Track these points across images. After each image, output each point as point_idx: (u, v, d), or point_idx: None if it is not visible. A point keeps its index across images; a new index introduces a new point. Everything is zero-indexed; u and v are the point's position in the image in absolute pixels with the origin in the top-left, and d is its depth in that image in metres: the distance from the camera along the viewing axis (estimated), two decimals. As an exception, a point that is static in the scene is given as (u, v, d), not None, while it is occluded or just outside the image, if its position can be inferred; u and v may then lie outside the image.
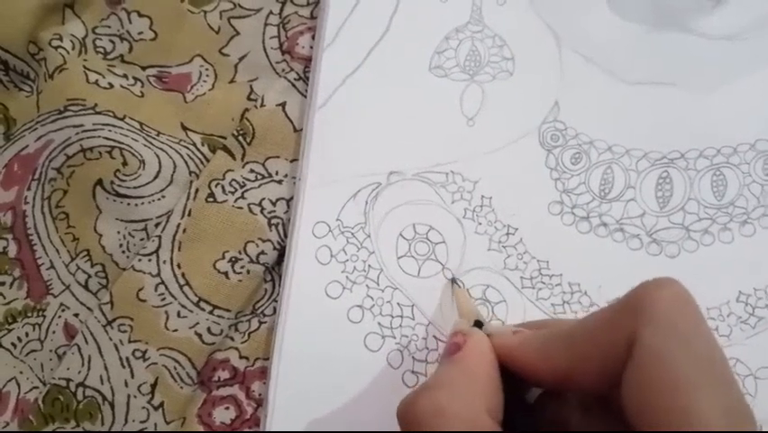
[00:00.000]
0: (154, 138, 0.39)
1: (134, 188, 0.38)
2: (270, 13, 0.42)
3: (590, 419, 0.28)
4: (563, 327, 0.28)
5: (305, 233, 0.37)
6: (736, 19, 0.39)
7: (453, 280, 0.37)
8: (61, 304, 0.39)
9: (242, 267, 0.37)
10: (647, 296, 0.24)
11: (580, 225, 0.38)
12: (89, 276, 0.39)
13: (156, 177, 0.39)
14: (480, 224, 0.38)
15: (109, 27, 0.42)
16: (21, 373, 0.39)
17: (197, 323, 0.37)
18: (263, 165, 0.39)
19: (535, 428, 0.29)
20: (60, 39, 0.41)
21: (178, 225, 0.37)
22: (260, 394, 0.37)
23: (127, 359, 0.36)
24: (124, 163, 0.38)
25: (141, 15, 0.42)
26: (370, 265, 0.37)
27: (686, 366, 0.23)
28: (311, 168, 0.38)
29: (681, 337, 0.23)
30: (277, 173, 0.39)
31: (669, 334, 0.23)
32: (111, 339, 0.37)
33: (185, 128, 0.40)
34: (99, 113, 0.39)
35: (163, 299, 0.37)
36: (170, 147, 0.39)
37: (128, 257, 0.38)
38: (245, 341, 0.38)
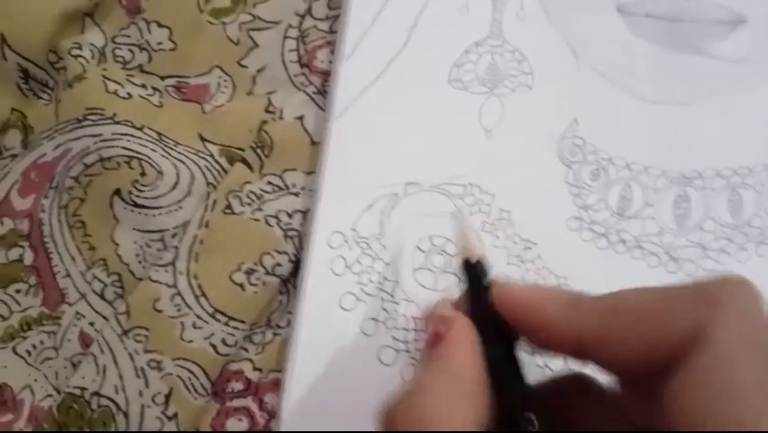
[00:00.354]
0: (172, 149, 0.40)
1: (152, 198, 0.38)
2: (290, 26, 0.42)
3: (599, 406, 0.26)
4: (607, 294, 0.24)
5: (321, 243, 0.37)
6: (751, 43, 0.39)
7: (456, 214, 0.34)
8: (77, 313, 0.39)
9: (258, 279, 0.37)
10: (726, 289, 0.22)
11: (599, 241, 0.38)
12: (105, 285, 0.39)
13: (174, 188, 0.39)
14: (498, 237, 0.38)
15: (129, 37, 0.42)
16: (35, 380, 0.39)
17: (212, 334, 0.37)
18: (281, 177, 0.39)
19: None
20: (80, 48, 0.41)
21: (195, 237, 0.37)
22: (272, 406, 0.37)
23: (142, 369, 0.36)
24: (142, 174, 0.39)
25: (160, 26, 0.42)
26: (385, 277, 0.37)
27: (755, 378, 0.20)
28: (328, 177, 0.38)
29: (757, 345, 0.21)
30: (294, 185, 0.39)
31: (745, 339, 0.21)
32: (126, 349, 0.37)
33: (203, 139, 0.41)
34: (118, 122, 0.39)
35: (179, 310, 0.37)
36: (188, 158, 0.40)
37: (144, 267, 0.38)
38: (259, 353, 0.38)
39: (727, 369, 0.20)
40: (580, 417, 0.26)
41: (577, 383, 0.27)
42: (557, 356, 0.26)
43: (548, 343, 0.25)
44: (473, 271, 0.28)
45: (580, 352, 0.24)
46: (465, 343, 0.25)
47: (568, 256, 0.38)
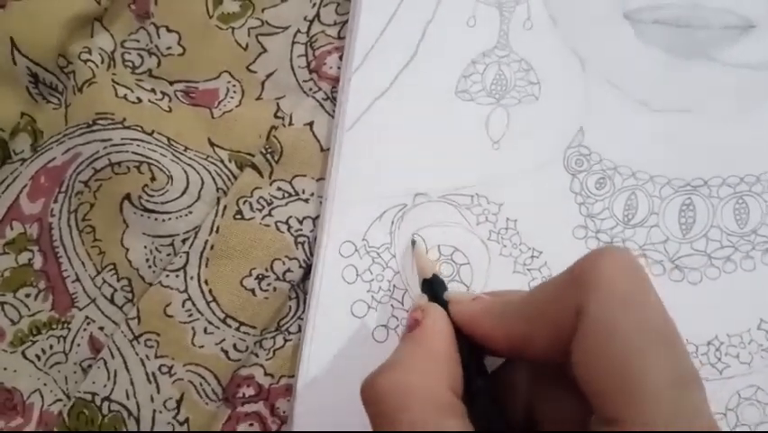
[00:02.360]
0: (182, 153, 0.40)
1: (162, 203, 0.39)
2: (298, 31, 0.42)
3: (541, 386, 0.29)
4: (521, 296, 0.28)
5: (332, 252, 0.38)
6: (760, 49, 0.40)
7: (413, 241, 0.37)
8: (87, 317, 0.39)
9: (269, 284, 0.38)
10: (591, 266, 0.25)
11: (604, 250, 0.38)
12: (115, 290, 0.39)
13: (184, 193, 0.39)
14: (505, 246, 0.38)
15: (138, 41, 0.42)
16: (45, 385, 0.39)
17: (223, 339, 0.37)
18: (290, 183, 0.39)
19: (492, 393, 0.29)
20: (89, 52, 0.41)
21: (206, 242, 0.38)
22: (284, 412, 0.37)
23: (153, 374, 0.37)
24: (152, 178, 0.39)
25: (169, 30, 0.42)
26: (395, 285, 0.37)
27: (631, 334, 0.23)
28: (338, 188, 0.38)
29: (626, 306, 0.24)
30: (303, 192, 0.39)
31: (613, 303, 0.24)
32: (137, 354, 0.37)
33: (212, 144, 0.41)
34: (128, 127, 0.39)
35: (190, 315, 0.37)
36: (198, 163, 0.40)
37: (154, 272, 0.39)
38: (270, 358, 0.38)
39: (604, 334, 0.23)
40: (539, 393, 0.29)
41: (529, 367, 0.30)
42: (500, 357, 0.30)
43: (490, 348, 0.29)
44: (432, 287, 0.33)
45: (512, 352, 0.28)
46: (439, 324, 0.29)
47: (574, 264, 0.38)
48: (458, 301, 0.30)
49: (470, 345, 0.29)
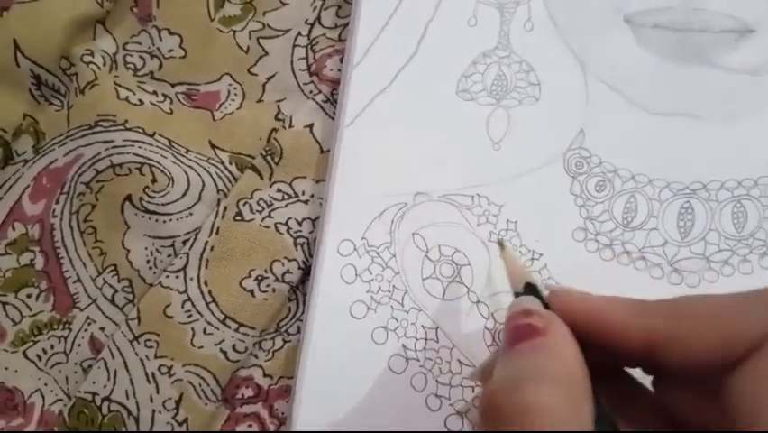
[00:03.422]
0: (183, 155, 0.40)
1: (163, 204, 0.39)
2: (299, 34, 0.42)
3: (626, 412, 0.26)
4: (657, 300, 0.25)
5: (330, 250, 0.38)
6: (759, 53, 0.40)
7: (500, 243, 0.32)
8: (87, 318, 0.39)
9: (268, 285, 0.38)
10: None
11: (604, 252, 0.38)
12: (116, 291, 0.39)
13: (184, 194, 0.39)
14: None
15: (140, 44, 0.43)
16: (45, 384, 0.39)
17: (223, 340, 0.37)
18: (290, 185, 0.39)
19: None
20: (92, 54, 0.41)
21: (206, 243, 0.38)
22: (283, 413, 0.38)
23: (153, 374, 0.37)
24: (153, 180, 0.39)
25: (171, 33, 0.42)
26: (394, 286, 0.37)
27: None
28: (338, 186, 0.38)
29: None
30: (303, 193, 0.39)
31: None
32: (137, 354, 0.37)
33: (213, 146, 0.41)
34: (129, 129, 0.40)
35: (190, 316, 0.37)
36: (199, 165, 0.40)
37: (155, 273, 0.39)
38: (269, 359, 0.38)
39: None
40: (625, 413, 0.26)
41: (621, 381, 0.28)
42: (624, 358, 0.26)
43: (617, 345, 0.25)
44: (537, 294, 0.28)
45: (647, 352, 0.25)
46: (569, 337, 0.25)
47: (573, 267, 0.38)
48: (570, 292, 0.26)
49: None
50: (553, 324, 0.25)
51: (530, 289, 0.28)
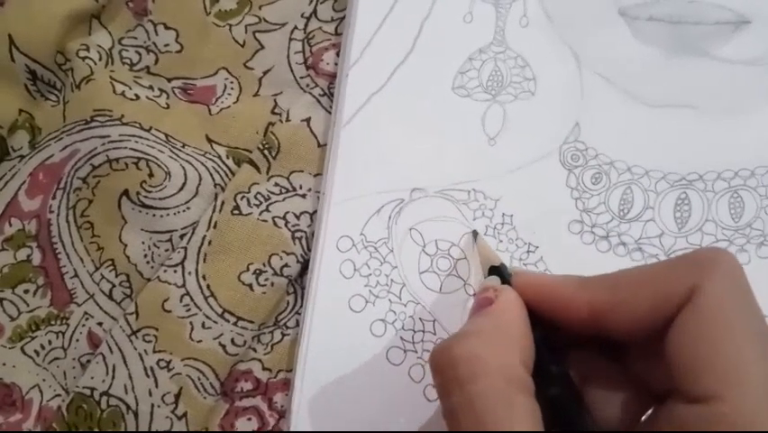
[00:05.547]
0: (180, 150, 0.40)
1: (160, 199, 0.39)
2: (295, 28, 0.42)
3: (593, 378, 0.29)
4: (612, 273, 0.28)
5: (329, 246, 0.38)
6: (754, 44, 0.40)
7: (475, 233, 0.38)
8: (85, 313, 0.39)
9: (266, 279, 0.38)
10: (712, 254, 0.26)
11: (600, 244, 0.38)
12: (113, 285, 0.39)
13: (181, 189, 0.39)
14: (501, 241, 0.38)
15: (136, 38, 0.43)
16: (44, 380, 0.39)
17: (221, 334, 0.37)
18: (287, 179, 0.39)
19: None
20: (87, 49, 0.41)
21: (204, 237, 0.38)
22: (282, 406, 0.38)
23: (151, 369, 0.37)
24: (150, 175, 0.39)
25: (167, 28, 0.42)
26: (392, 280, 0.38)
27: (744, 319, 0.24)
28: (336, 183, 0.38)
29: (743, 296, 0.25)
30: (301, 187, 0.39)
31: (732, 289, 0.25)
32: (136, 349, 0.37)
33: (210, 140, 0.41)
34: (126, 124, 0.40)
35: (188, 310, 0.37)
36: (196, 159, 0.40)
37: (152, 267, 0.39)
38: (268, 353, 0.38)
39: (718, 314, 0.24)
40: (595, 379, 0.29)
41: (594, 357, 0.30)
42: (577, 329, 0.28)
43: (565, 317, 0.28)
44: (501, 274, 0.31)
45: (592, 321, 0.27)
46: (514, 304, 0.28)
47: (570, 259, 0.38)
48: (529, 274, 0.30)
49: (543, 331, 0.28)
50: (504, 294, 0.28)
51: (495, 270, 0.32)
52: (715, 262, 0.25)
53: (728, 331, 0.24)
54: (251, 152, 0.40)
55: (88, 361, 0.38)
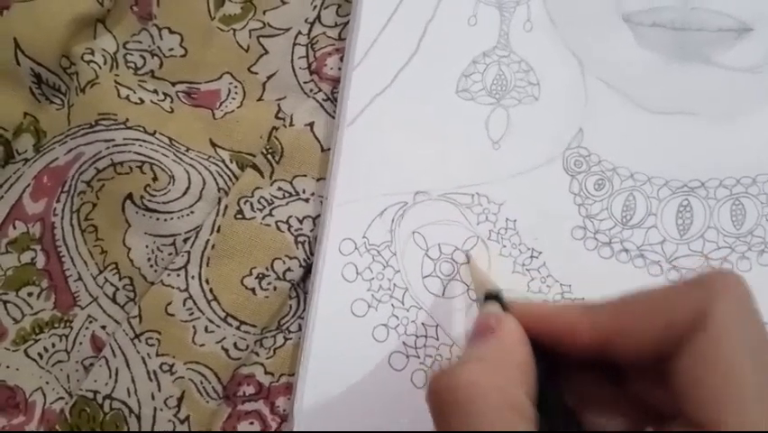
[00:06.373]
0: (184, 154, 0.40)
1: (164, 203, 0.39)
2: (299, 33, 0.42)
3: (589, 397, 0.28)
4: (612, 298, 0.27)
5: (332, 249, 0.38)
6: (757, 51, 0.40)
7: (467, 256, 0.38)
8: (89, 316, 0.39)
9: (269, 283, 0.38)
10: (722, 277, 0.25)
11: (603, 250, 0.39)
12: (117, 289, 0.39)
13: (185, 193, 0.39)
14: (505, 246, 0.38)
15: (140, 42, 0.43)
16: (47, 383, 0.39)
17: (224, 338, 0.37)
18: (291, 183, 0.39)
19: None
20: (92, 53, 0.41)
21: (207, 242, 0.38)
22: (284, 410, 0.38)
23: (154, 372, 0.37)
24: (154, 178, 0.39)
25: (171, 32, 0.42)
26: (395, 284, 0.38)
27: (754, 346, 0.23)
28: (339, 185, 0.38)
29: (753, 323, 0.24)
30: (304, 191, 0.39)
31: (742, 315, 0.24)
32: (139, 352, 0.37)
33: (213, 145, 0.41)
34: (130, 128, 0.40)
35: (191, 314, 0.37)
36: (200, 163, 0.40)
37: (156, 271, 0.39)
38: (270, 357, 0.38)
39: (726, 343, 0.23)
40: (596, 403, 0.28)
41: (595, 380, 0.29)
42: (579, 356, 0.28)
43: (569, 344, 0.27)
44: (500, 301, 0.30)
45: (596, 347, 0.27)
46: (517, 333, 0.28)
47: (572, 265, 0.38)
48: (528, 302, 0.30)
49: (544, 360, 0.28)
50: (505, 322, 0.28)
51: (493, 296, 0.31)
52: (723, 287, 0.25)
53: (738, 358, 0.23)
54: (254, 156, 0.40)
55: (91, 364, 0.39)
